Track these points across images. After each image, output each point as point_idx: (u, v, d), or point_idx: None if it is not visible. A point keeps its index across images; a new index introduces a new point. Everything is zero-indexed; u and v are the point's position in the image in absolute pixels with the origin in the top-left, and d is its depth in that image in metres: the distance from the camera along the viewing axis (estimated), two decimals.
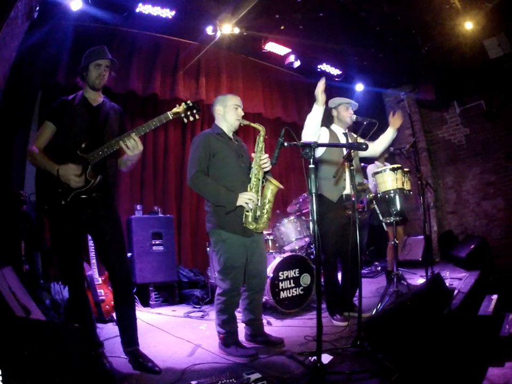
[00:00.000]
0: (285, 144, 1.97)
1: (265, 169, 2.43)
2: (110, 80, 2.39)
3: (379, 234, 4.55)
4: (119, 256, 2.18)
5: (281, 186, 2.45)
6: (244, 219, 2.35)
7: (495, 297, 2.84)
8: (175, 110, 2.06)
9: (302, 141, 1.96)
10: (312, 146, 1.91)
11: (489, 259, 4.80)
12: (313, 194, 1.88)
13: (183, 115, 2.06)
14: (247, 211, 2.33)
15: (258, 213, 2.37)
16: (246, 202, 2.30)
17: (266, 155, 2.44)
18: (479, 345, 2.05)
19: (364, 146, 2.01)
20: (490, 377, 1.77)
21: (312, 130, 2.83)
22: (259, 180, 2.40)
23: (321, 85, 2.69)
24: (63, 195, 2.06)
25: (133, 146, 2.03)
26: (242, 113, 2.54)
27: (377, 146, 3.23)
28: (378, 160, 4.43)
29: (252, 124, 2.50)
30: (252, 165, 2.43)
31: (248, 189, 2.38)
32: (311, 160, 1.91)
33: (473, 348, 2.02)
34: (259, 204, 2.37)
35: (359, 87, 5.95)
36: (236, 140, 2.58)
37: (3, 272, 2.39)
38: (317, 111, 2.78)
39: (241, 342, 2.48)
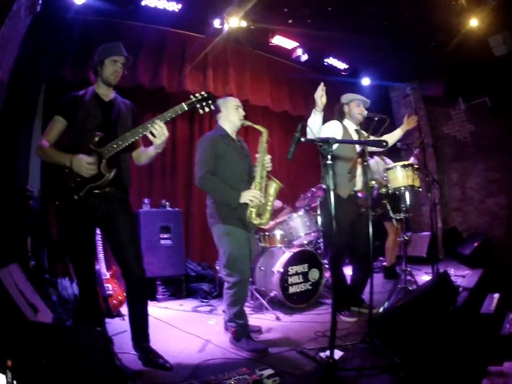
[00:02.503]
0: (302, 139, 1.94)
1: (268, 169, 2.53)
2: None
3: (383, 230, 4.54)
4: (133, 251, 2.16)
5: (282, 186, 2.57)
6: (248, 215, 2.43)
7: (497, 295, 2.84)
8: (190, 101, 2.04)
9: (319, 137, 1.92)
10: (331, 142, 1.89)
11: (493, 257, 4.81)
12: (331, 191, 1.87)
13: (198, 106, 2.05)
14: (252, 207, 2.42)
15: (262, 208, 2.48)
16: (250, 200, 2.39)
17: (269, 156, 2.53)
18: (480, 343, 2.05)
19: (384, 144, 1.99)
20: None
21: (314, 133, 2.70)
22: (263, 178, 2.51)
23: (320, 89, 2.56)
24: (76, 189, 2.04)
25: (159, 132, 2.00)
26: (244, 113, 2.64)
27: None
28: (378, 156, 4.42)
29: (255, 125, 2.56)
30: (256, 165, 2.53)
31: (253, 187, 2.47)
32: (329, 156, 1.89)
33: (475, 346, 2.02)
34: (263, 201, 2.46)
35: (365, 81, 5.91)
36: (238, 140, 2.67)
37: (9, 269, 2.37)
38: (315, 118, 2.67)
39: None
